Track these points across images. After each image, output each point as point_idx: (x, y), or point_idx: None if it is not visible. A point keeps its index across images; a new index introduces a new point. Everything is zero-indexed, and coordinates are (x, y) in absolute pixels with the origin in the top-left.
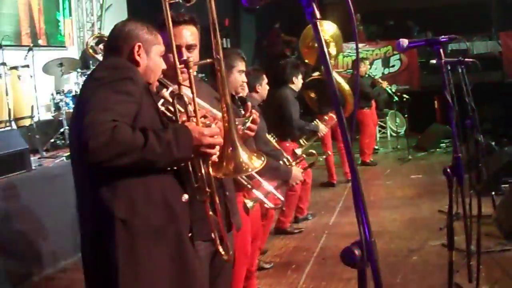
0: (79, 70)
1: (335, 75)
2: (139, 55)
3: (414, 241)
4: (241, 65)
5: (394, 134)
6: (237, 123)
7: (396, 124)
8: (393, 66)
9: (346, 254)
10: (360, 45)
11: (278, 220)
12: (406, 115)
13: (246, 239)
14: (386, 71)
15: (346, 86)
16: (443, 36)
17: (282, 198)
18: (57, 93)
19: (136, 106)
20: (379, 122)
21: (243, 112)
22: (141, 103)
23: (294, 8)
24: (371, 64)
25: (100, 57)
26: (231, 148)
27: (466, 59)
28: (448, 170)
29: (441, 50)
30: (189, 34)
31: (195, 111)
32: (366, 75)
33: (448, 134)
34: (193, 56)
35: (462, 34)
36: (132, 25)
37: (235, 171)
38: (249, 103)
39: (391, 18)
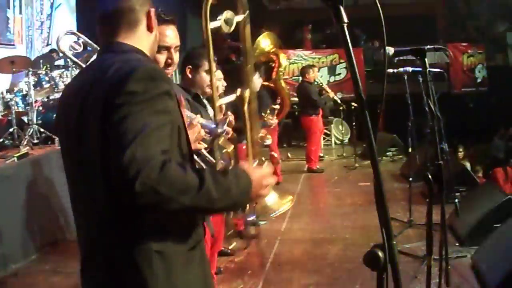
0: (30, 69)
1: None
2: (153, 20)
3: (368, 247)
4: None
5: (338, 142)
6: (212, 125)
7: (342, 132)
8: (339, 74)
9: (369, 256)
10: (306, 52)
11: (235, 224)
12: (354, 123)
13: (207, 244)
14: (332, 79)
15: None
16: (428, 46)
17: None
18: (7, 92)
19: (173, 123)
20: (324, 130)
21: (209, 111)
22: (177, 116)
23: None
24: (317, 71)
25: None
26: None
27: (433, 69)
28: (430, 176)
29: (425, 60)
30: (175, 34)
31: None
32: (315, 83)
33: (394, 142)
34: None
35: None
36: None
37: (264, 211)
38: (223, 105)
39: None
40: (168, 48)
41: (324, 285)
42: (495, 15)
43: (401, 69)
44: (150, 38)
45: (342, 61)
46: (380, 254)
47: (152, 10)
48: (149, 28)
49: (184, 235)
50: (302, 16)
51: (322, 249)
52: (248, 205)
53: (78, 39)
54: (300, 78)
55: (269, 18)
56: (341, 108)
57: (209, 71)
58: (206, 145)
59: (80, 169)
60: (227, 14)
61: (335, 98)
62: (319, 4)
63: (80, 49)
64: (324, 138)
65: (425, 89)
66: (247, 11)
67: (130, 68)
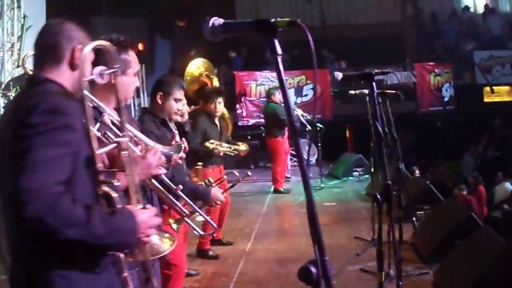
0: (0, 91)
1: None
2: (78, 58)
3: (332, 266)
4: (178, 94)
5: (305, 163)
6: (171, 152)
7: (309, 153)
8: (306, 95)
9: (303, 272)
10: (273, 74)
11: (199, 242)
12: (319, 144)
13: (169, 262)
14: (299, 100)
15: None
16: (376, 70)
17: (215, 225)
18: None
19: (75, 156)
20: (290, 151)
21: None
22: (80, 149)
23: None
24: None
25: None
26: None
27: (389, 91)
28: (378, 196)
29: (373, 83)
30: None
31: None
32: (281, 103)
33: (360, 162)
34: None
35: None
36: (71, 26)
37: (150, 253)
38: (175, 132)
39: (304, 48)
40: (136, 74)
41: None
42: (463, 34)
43: (359, 91)
44: (73, 74)
45: (309, 82)
46: (313, 269)
47: (78, 47)
48: (72, 66)
49: (89, 260)
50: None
51: (286, 268)
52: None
53: None
54: (267, 99)
55: (236, 40)
56: (307, 129)
57: (178, 100)
58: (166, 171)
59: (3, 195)
60: (100, 68)
61: (302, 118)
62: (286, 26)
63: None
64: (291, 159)
65: (372, 111)
66: (118, 64)
67: (36, 102)
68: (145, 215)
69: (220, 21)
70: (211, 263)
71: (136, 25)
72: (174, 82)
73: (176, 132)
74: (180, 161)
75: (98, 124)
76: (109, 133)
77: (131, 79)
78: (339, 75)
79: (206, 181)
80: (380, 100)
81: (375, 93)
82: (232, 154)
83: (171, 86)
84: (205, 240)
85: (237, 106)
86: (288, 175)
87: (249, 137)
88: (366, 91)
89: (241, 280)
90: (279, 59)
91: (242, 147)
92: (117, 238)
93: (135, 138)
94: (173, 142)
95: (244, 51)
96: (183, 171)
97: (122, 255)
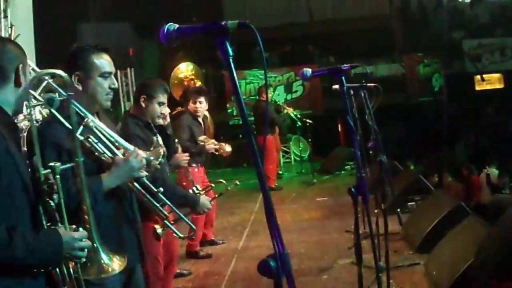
0: None
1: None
2: (20, 75)
3: (323, 260)
4: (162, 97)
5: (298, 159)
6: (151, 157)
7: (300, 148)
8: (296, 91)
9: (262, 265)
10: (262, 72)
11: (188, 245)
12: (309, 140)
13: (159, 263)
14: (289, 96)
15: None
16: (345, 65)
17: (194, 227)
18: None
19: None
20: (282, 147)
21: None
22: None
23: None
24: (274, 90)
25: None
26: (93, 251)
27: (367, 84)
28: (353, 189)
29: (343, 78)
30: (112, 63)
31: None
32: (272, 101)
33: (352, 156)
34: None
35: (365, 57)
36: (11, 47)
37: (99, 272)
38: (154, 138)
39: (292, 44)
40: (110, 74)
41: None
42: (450, 24)
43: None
44: (17, 92)
45: (298, 78)
46: (272, 263)
47: (21, 66)
48: (17, 84)
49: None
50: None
51: None
52: (63, 263)
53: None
54: (257, 97)
55: None
56: (297, 125)
57: (161, 103)
58: (146, 174)
59: None
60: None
61: (292, 115)
62: (274, 23)
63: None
64: (283, 156)
65: (344, 105)
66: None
67: None
68: (72, 236)
69: (175, 26)
70: (204, 262)
71: (124, 30)
72: (158, 86)
73: (159, 137)
74: (158, 166)
75: (81, 127)
76: (92, 137)
77: (96, 81)
78: (308, 71)
79: (194, 188)
80: (363, 94)
81: (344, 88)
82: (216, 153)
83: (155, 90)
84: (194, 242)
85: (227, 105)
86: (281, 172)
87: (240, 136)
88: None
89: (233, 278)
90: (231, 60)
91: (227, 147)
92: (38, 258)
93: (116, 143)
94: (152, 148)
95: (231, 50)
96: (165, 171)
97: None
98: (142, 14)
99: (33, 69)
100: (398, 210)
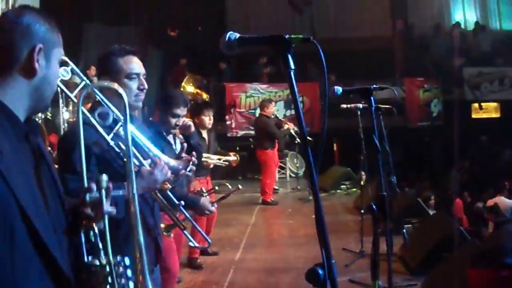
0: None
1: None
2: (37, 61)
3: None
4: (178, 110)
5: (293, 175)
6: (179, 166)
7: (297, 165)
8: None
9: (311, 273)
10: (263, 86)
11: (189, 251)
12: None
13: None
14: (288, 112)
15: None
16: (374, 85)
17: (209, 240)
18: None
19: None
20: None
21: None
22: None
23: (201, 47)
24: (274, 105)
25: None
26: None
27: (383, 106)
28: (374, 206)
29: (372, 98)
30: (140, 64)
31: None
32: (272, 116)
33: (348, 176)
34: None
35: (366, 78)
36: (31, 18)
37: None
38: (185, 145)
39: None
40: (138, 75)
41: None
42: (452, 50)
43: (353, 105)
44: (30, 84)
45: (298, 95)
46: (320, 271)
47: (39, 47)
48: (28, 72)
49: None
50: (259, 49)
51: (275, 278)
52: None
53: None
54: (258, 111)
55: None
56: (296, 141)
57: (176, 115)
58: (170, 186)
59: None
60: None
61: (292, 131)
62: (299, 42)
63: (68, 76)
64: (279, 171)
65: (370, 125)
66: None
67: None
68: None
69: (236, 35)
70: (201, 272)
71: (128, 34)
72: (175, 98)
73: (185, 145)
74: (189, 174)
75: (112, 133)
76: (121, 144)
77: (122, 83)
78: (339, 89)
79: (199, 189)
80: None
81: (373, 108)
82: (223, 165)
83: (171, 102)
84: (195, 249)
85: (227, 117)
86: (276, 187)
87: (237, 148)
88: (360, 105)
89: None
90: (292, 73)
91: (233, 157)
92: None
93: (146, 150)
94: (182, 156)
95: (234, 62)
96: (182, 182)
97: None
98: (147, 19)
99: (72, 70)
100: (405, 230)
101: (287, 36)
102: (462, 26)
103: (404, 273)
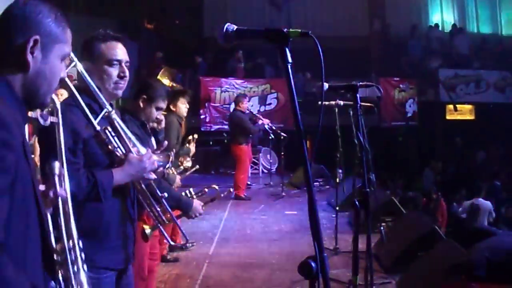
0: None
1: None
2: (32, 53)
3: (295, 273)
4: (161, 103)
5: (266, 171)
6: (160, 162)
7: (270, 161)
8: (269, 104)
9: (304, 266)
10: (238, 81)
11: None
12: (282, 153)
13: (144, 264)
14: (262, 108)
15: None
16: (360, 82)
17: (187, 237)
18: None
19: (15, 185)
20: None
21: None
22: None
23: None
24: (248, 100)
25: None
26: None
27: (365, 104)
28: (357, 202)
29: (357, 96)
30: (124, 51)
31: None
32: (247, 111)
33: (321, 173)
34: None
35: (341, 77)
36: (36, 7)
37: None
38: (165, 142)
39: (263, 57)
40: (119, 62)
41: None
42: (429, 52)
43: (332, 102)
44: (24, 77)
45: (273, 91)
46: (313, 264)
47: (34, 39)
48: (21, 65)
49: None
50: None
51: (249, 273)
52: None
53: None
54: (233, 106)
55: (202, 46)
56: (270, 137)
57: (159, 108)
58: (155, 177)
59: None
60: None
61: (267, 127)
62: (297, 36)
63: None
64: (251, 167)
65: (355, 122)
66: None
67: None
68: None
69: (234, 27)
70: (175, 265)
71: (104, 25)
72: (160, 91)
73: (153, 139)
74: (167, 171)
75: (99, 118)
76: (109, 128)
77: (103, 69)
78: (325, 85)
79: (187, 191)
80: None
81: (359, 105)
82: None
83: (156, 94)
84: (163, 246)
85: (201, 111)
86: (249, 183)
87: (211, 143)
88: (341, 102)
89: (205, 282)
90: (289, 67)
91: (188, 163)
92: None
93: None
94: (159, 151)
95: (210, 57)
96: (171, 180)
97: None
98: (123, 10)
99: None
100: (382, 228)
101: (285, 30)
102: (440, 28)
103: (379, 271)
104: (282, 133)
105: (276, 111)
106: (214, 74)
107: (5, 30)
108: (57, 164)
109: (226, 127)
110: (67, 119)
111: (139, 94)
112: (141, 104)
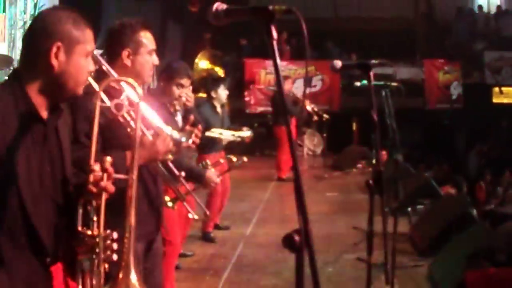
0: (11, 67)
1: None
2: (56, 57)
3: (329, 254)
4: (181, 80)
5: (311, 153)
6: (182, 138)
7: (314, 143)
8: (315, 86)
9: (287, 238)
10: (283, 63)
11: (203, 225)
12: (325, 135)
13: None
14: (308, 90)
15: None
16: (373, 61)
17: (208, 212)
18: None
19: None
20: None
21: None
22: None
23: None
24: (293, 82)
25: None
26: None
27: (391, 83)
28: (370, 181)
29: (371, 74)
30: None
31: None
32: (291, 94)
33: (364, 155)
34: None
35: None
36: (55, 17)
37: None
38: (192, 117)
39: (313, 39)
40: (154, 52)
41: (281, 287)
42: (474, 34)
43: (357, 83)
44: (50, 77)
45: (318, 73)
46: (297, 237)
47: (58, 44)
48: (46, 65)
49: None
50: (281, 27)
51: (284, 253)
52: None
53: None
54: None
55: (247, 28)
56: (314, 119)
57: (180, 85)
58: (172, 157)
59: None
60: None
61: (308, 108)
62: (282, 13)
63: None
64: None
65: (376, 102)
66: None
67: None
68: None
69: (223, 6)
70: (211, 245)
71: (149, 9)
72: (180, 68)
73: (192, 117)
74: (192, 146)
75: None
76: (132, 112)
77: (144, 58)
78: (338, 63)
79: (203, 162)
80: (384, 93)
81: (372, 83)
82: (236, 140)
83: (175, 71)
84: (209, 223)
85: (245, 93)
86: None
87: (255, 125)
88: (365, 82)
89: (239, 262)
90: (275, 44)
91: (246, 133)
92: None
93: (149, 120)
94: (186, 128)
95: (255, 39)
96: (187, 154)
97: None
98: None
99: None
100: (409, 210)
101: (270, 7)
102: (485, 10)
103: (411, 253)
104: (325, 115)
105: (321, 93)
106: (261, 56)
107: (32, 40)
108: (108, 158)
109: (270, 109)
110: (82, 108)
111: (160, 77)
112: (162, 84)
